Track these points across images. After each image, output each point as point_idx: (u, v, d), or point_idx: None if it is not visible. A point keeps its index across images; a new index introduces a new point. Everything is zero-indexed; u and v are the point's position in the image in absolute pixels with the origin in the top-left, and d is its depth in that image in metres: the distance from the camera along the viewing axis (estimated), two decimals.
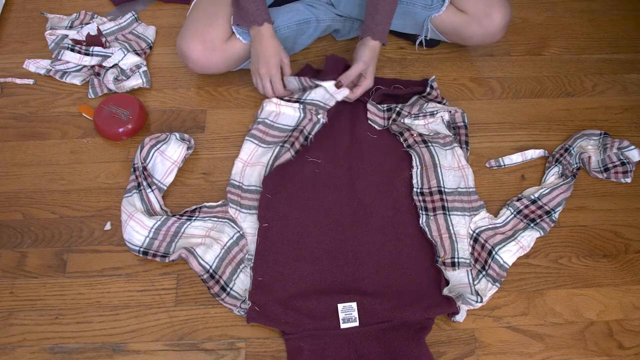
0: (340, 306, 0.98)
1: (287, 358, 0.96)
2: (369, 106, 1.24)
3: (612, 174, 1.16)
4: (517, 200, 1.12)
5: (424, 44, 1.35)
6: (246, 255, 1.05)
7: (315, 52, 1.38)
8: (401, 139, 1.19)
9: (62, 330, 1.00)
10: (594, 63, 1.37)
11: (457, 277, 1.03)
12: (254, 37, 1.17)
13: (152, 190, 1.11)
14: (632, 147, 1.18)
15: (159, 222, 1.06)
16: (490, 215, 1.11)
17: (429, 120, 1.22)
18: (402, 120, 1.22)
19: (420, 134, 1.19)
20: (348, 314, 0.98)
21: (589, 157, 1.18)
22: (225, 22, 1.21)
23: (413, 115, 1.22)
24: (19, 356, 0.97)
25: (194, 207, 1.10)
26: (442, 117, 1.23)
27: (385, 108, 1.25)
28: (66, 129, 1.25)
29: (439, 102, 1.26)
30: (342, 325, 0.97)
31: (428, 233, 1.07)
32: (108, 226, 1.11)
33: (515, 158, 1.20)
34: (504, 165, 1.20)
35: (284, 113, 1.22)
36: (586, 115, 1.28)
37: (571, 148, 1.19)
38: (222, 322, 1.00)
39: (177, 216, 1.09)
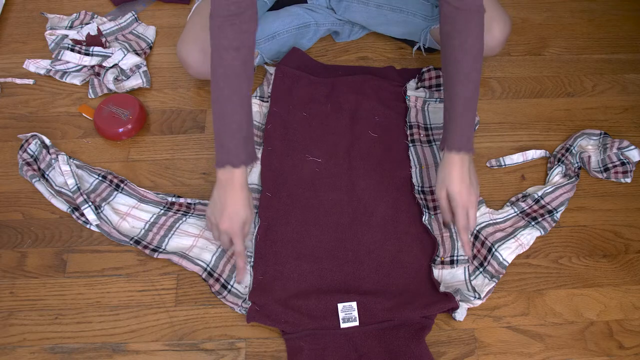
0: (340, 306, 0.98)
1: (287, 357, 0.96)
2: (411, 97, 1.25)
3: (612, 174, 1.16)
4: (523, 201, 1.12)
5: (422, 50, 1.35)
6: (246, 252, 1.05)
7: (315, 53, 1.38)
8: (407, 132, 1.20)
9: (62, 330, 1.00)
10: (594, 63, 1.37)
11: (455, 274, 1.04)
12: (223, 181, 0.96)
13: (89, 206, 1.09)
14: (632, 147, 1.18)
15: (154, 217, 1.09)
16: (491, 210, 1.11)
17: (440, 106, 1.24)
18: (421, 86, 1.26)
19: (426, 134, 1.20)
20: (348, 313, 0.98)
21: (589, 157, 1.18)
22: None
23: (435, 98, 1.24)
24: (19, 356, 0.97)
25: (190, 200, 1.11)
26: None
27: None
28: (66, 129, 1.25)
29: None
30: (342, 325, 0.97)
31: (431, 231, 1.07)
32: None
33: (516, 158, 1.20)
34: (505, 165, 1.20)
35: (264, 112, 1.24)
36: (586, 115, 1.28)
37: (572, 148, 1.19)
38: (222, 322, 1.00)
39: (173, 211, 1.10)
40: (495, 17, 1.21)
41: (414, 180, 1.14)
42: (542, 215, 1.10)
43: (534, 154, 1.20)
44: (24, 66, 1.34)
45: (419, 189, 1.13)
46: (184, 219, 1.09)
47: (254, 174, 1.15)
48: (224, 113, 0.93)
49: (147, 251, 1.05)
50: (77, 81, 1.31)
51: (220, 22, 0.91)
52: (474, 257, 1.06)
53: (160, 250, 1.06)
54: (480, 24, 0.96)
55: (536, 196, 1.12)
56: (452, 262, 1.04)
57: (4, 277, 1.05)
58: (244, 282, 0.99)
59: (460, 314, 0.99)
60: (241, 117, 0.95)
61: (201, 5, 1.25)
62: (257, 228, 1.07)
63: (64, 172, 1.12)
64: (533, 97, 1.31)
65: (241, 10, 0.91)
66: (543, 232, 1.08)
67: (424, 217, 1.09)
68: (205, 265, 1.03)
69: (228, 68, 0.92)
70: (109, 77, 1.28)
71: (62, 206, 1.10)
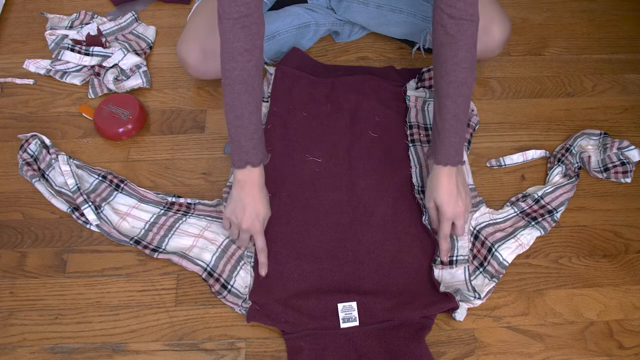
0: (340, 306, 0.98)
1: (287, 357, 0.96)
2: (411, 97, 1.25)
3: (612, 174, 1.16)
4: (523, 201, 1.12)
5: (422, 51, 1.35)
6: (245, 252, 1.05)
7: (315, 53, 1.38)
8: (407, 132, 1.20)
9: (62, 330, 1.00)
10: (594, 63, 1.37)
11: (455, 274, 1.04)
12: (242, 181, 0.98)
13: (90, 206, 1.09)
14: (632, 147, 1.18)
15: (154, 217, 1.09)
16: (491, 209, 1.11)
17: None
18: (421, 86, 1.26)
19: (426, 134, 1.19)
20: (348, 313, 0.98)
21: (589, 157, 1.18)
22: None
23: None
24: (19, 356, 0.97)
25: (190, 200, 1.11)
26: None
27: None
28: (66, 129, 1.25)
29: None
30: (342, 325, 0.97)
31: (431, 231, 1.07)
32: None
33: (516, 158, 1.20)
34: (505, 165, 1.20)
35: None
36: (586, 115, 1.28)
37: (572, 148, 1.19)
38: (222, 322, 1.00)
39: (173, 211, 1.10)
40: (495, 18, 1.21)
41: (414, 180, 1.14)
42: (542, 215, 1.10)
43: (534, 154, 1.20)
44: (24, 66, 1.34)
45: (419, 188, 1.13)
46: (184, 219, 1.09)
47: None
48: (242, 116, 0.95)
49: (147, 251, 1.05)
50: (77, 81, 1.31)
51: (232, 25, 0.91)
52: (474, 257, 1.06)
53: (160, 250, 1.06)
54: (474, 34, 0.96)
55: (536, 196, 1.12)
56: (452, 262, 1.04)
57: (4, 277, 1.05)
58: (263, 271, 1.02)
59: (460, 314, 0.99)
60: (257, 118, 0.97)
61: (201, 5, 1.25)
62: None
63: (64, 172, 1.12)
64: (533, 97, 1.31)
65: (251, 11, 0.91)
66: (543, 232, 1.08)
67: (423, 217, 1.09)
68: (205, 265, 1.03)
69: (243, 71, 0.93)
70: (109, 77, 1.29)
71: (62, 206, 1.10)
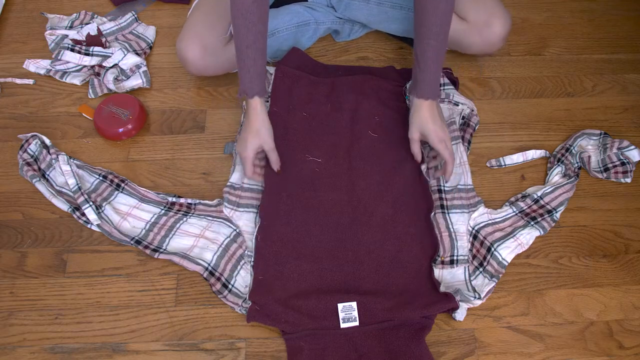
0: (340, 306, 0.98)
1: (287, 357, 0.96)
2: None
3: (612, 174, 1.16)
4: (522, 201, 1.12)
5: None
6: (246, 252, 1.05)
7: (315, 52, 1.38)
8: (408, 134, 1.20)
9: (62, 330, 1.00)
10: (594, 63, 1.38)
11: (455, 274, 1.04)
12: (247, 110, 1.07)
13: (91, 206, 1.10)
14: (632, 147, 1.18)
15: (155, 217, 1.09)
16: (489, 209, 1.11)
17: (452, 108, 1.23)
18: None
19: None
20: (348, 313, 0.98)
21: (589, 157, 1.18)
22: (224, 25, 1.21)
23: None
24: (19, 356, 0.97)
25: (190, 200, 1.11)
26: (462, 109, 1.23)
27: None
28: (66, 129, 1.25)
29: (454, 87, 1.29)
30: (342, 325, 0.97)
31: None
32: None
33: (516, 158, 1.20)
34: (505, 165, 1.20)
35: None
36: (586, 115, 1.28)
37: (572, 148, 1.19)
38: (222, 322, 1.00)
39: (174, 211, 1.10)
40: (495, 13, 1.21)
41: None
42: (541, 215, 1.10)
43: (534, 154, 1.20)
44: (24, 66, 1.34)
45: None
46: (184, 219, 1.09)
47: None
48: (240, 49, 1.02)
49: (147, 251, 1.05)
50: (77, 81, 1.31)
51: None
52: (474, 257, 1.06)
53: (161, 250, 1.06)
54: None
55: (535, 196, 1.12)
56: (452, 262, 1.04)
57: (4, 277, 1.05)
58: (276, 167, 1.11)
59: (460, 314, 0.99)
60: (255, 52, 1.02)
61: (200, 1, 1.25)
62: (257, 228, 1.07)
63: (64, 172, 1.12)
64: (533, 97, 1.31)
65: None
66: (542, 232, 1.08)
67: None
68: (206, 265, 1.03)
69: (243, 5, 0.98)
70: (109, 77, 1.29)
71: (63, 206, 1.11)
